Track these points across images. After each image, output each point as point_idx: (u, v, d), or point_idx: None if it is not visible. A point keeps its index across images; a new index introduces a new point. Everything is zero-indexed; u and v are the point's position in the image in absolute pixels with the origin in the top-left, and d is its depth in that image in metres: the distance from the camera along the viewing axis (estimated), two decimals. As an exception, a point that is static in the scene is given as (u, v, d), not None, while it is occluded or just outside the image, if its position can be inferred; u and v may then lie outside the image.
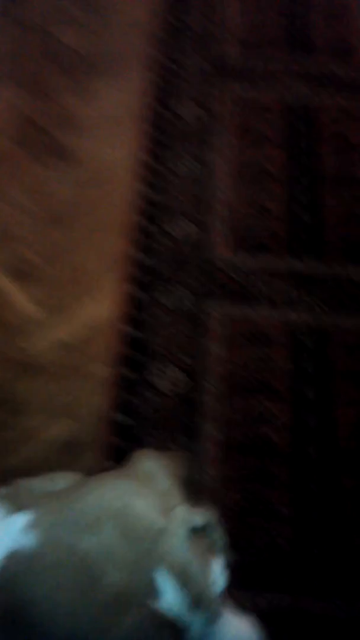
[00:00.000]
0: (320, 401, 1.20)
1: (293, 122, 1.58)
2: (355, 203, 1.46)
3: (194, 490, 0.82)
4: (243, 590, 0.97)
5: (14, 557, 0.70)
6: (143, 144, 1.55)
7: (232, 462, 1.14)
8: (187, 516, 0.73)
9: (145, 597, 0.68)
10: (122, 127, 1.59)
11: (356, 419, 1.19)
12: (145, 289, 1.33)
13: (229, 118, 1.60)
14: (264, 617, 0.80)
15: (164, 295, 1.33)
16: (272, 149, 1.55)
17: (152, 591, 0.68)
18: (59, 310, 1.32)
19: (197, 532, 0.72)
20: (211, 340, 1.27)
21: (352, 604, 1.02)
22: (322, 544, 1.07)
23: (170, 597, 0.68)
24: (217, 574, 0.73)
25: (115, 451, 1.13)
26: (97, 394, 1.20)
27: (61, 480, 0.84)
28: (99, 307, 1.32)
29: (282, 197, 1.47)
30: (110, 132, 1.58)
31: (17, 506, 0.75)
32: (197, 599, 0.69)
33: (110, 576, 0.67)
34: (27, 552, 0.70)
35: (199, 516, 0.74)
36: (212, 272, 1.36)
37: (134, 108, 1.62)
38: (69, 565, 0.69)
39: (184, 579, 0.68)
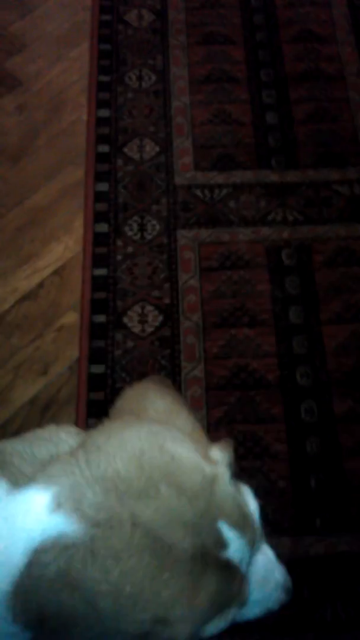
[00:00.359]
0: (306, 323, 1.11)
1: (250, 17, 1.42)
2: (323, 97, 1.33)
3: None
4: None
5: (53, 548, 0.53)
6: (94, 60, 1.39)
7: (216, 401, 1.05)
8: (225, 456, 0.62)
9: (216, 552, 0.59)
10: (70, 45, 1.42)
11: (343, 338, 1.11)
12: (109, 222, 1.21)
13: (182, 19, 1.43)
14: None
15: (130, 227, 1.21)
16: (231, 49, 1.39)
17: (220, 544, 0.59)
18: (21, 256, 1.20)
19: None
20: (183, 270, 1.16)
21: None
22: (319, 476, 1.00)
23: (236, 545, 0.60)
24: (253, 502, 0.64)
25: (95, 405, 1.05)
26: (68, 345, 1.11)
27: (63, 438, 0.62)
28: (63, 249, 1.21)
29: (245, 100, 1.33)
30: (56, 51, 1.41)
31: (15, 479, 0.57)
32: (253, 538, 0.61)
33: (182, 542, 0.57)
34: (72, 539, 0.53)
35: (229, 452, 0.64)
36: (178, 195, 1.24)
37: (81, 22, 1.44)
38: (136, 542, 0.55)
39: (243, 523, 0.60)
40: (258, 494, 0.64)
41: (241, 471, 0.97)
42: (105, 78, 1.36)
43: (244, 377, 1.06)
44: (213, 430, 1.04)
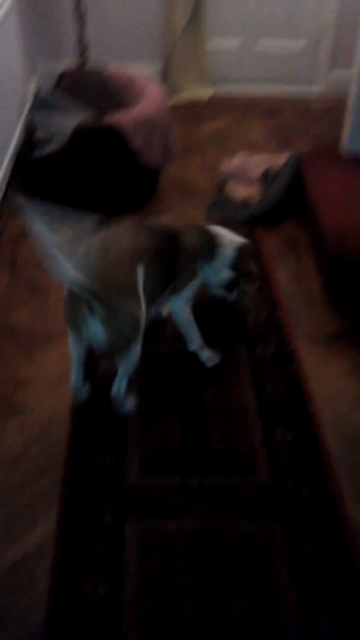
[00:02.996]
0: (214, 593, 1.54)
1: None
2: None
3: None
4: None
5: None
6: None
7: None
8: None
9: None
10: (61, 385, 2.09)
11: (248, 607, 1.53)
12: (77, 512, 1.71)
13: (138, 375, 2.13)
14: None
15: (92, 514, 1.70)
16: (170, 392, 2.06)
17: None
18: (9, 539, 1.66)
19: None
20: (128, 552, 1.63)
21: None
22: None
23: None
24: None
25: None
26: (39, 606, 1.52)
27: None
28: (43, 533, 1.68)
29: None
30: (50, 388, 2.08)
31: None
32: None
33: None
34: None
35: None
36: (127, 494, 1.76)
37: (67, 370, 2.14)
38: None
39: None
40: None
41: None
42: (80, 410, 2.00)
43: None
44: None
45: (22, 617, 1.51)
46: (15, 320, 2.35)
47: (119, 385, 1.92)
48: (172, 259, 1.95)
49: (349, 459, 1.86)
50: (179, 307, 2.07)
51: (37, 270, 2.56)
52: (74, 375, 1.98)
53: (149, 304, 1.86)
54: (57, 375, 2.12)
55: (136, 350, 1.83)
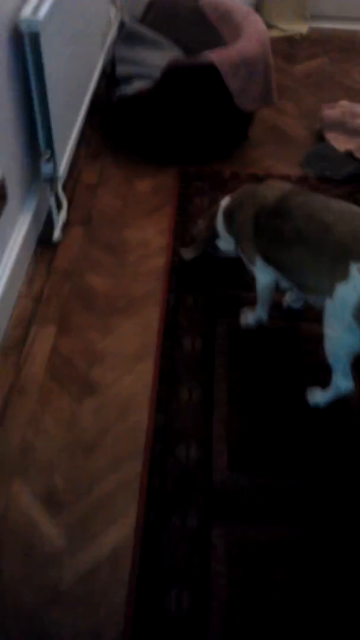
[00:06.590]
0: (312, 612, 1.34)
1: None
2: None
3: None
4: None
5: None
6: (156, 370, 1.83)
7: None
8: None
9: None
10: (139, 360, 1.87)
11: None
12: (157, 512, 1.52)
13: (225, 349, 1.89)
14: None
15: (175, 517, 1.51)
16: (261, 374, 1.81)
17: None
18: (86, 538, 1.50)
19: None
20: (215, 560, 1.43)
21: None
22: None
23: None
24: None
25: None
26: (116, 619, 1.35)
27: None
28: (120, 534, 1.50)
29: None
30: (128, 365, 1.86)
31: None
32: None
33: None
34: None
35: None
36: (214, 493, 1.55)
37: (148, 343, 1.91)
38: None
39: None
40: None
41: None
42: (163, 389, 1.78)
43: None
44: None
45: (96, 632, 1.35)
46: (91, 284, 2.12)
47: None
48: None
49: None
50: None
51: (114, 228, 2.33)
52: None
53: None
54: (134, 350, 1.90)
55: None
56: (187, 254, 2.08)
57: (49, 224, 2.28)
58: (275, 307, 1.96)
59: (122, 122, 2.58)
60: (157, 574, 1.42)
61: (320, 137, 2.82)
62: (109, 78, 2.61)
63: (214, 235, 1.95)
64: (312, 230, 1.54)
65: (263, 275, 1.81)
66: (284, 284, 1.78)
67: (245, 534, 1.49)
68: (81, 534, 1.50)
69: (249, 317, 1.95)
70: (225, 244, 1.95)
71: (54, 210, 2.20)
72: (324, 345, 1.61)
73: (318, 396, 1.74)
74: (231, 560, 1.44)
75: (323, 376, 1.70)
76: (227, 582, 1.40)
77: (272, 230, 1.65)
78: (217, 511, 1.53)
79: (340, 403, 1.75)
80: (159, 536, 1.48)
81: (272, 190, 1.73)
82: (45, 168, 2.03)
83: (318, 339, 1.62)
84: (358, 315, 1.48)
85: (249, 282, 1.91)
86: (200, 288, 2.08)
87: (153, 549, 1.46)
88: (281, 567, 1.43)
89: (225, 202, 1.92)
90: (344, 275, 1.46)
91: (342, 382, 1.65)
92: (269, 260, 1.73)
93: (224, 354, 1.87)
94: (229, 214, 1.87)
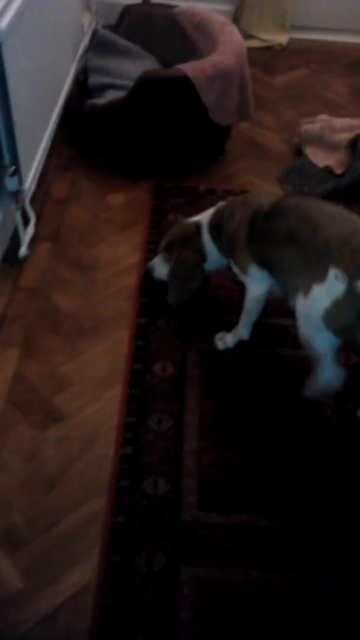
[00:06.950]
0: None
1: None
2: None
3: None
4: None
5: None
6: (124, 403, 1.73)
7: None
8: None
9: None
10: (106, 387, 1.78)
11: None
12: (122, 553, 1.43)
13: (198, 374, 1.80)
14: None
15: (140, 559, 1.41)
16: (236, 404, 1.73)
17: None
18: (45, 581, 1.40)
19: None
20: (182, 607, 1.34)
21: None
22: None
23: None
24: None
25: None
26: None
27: None
28: (82, 575, 1.41)
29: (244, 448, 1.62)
30: (95, 392, 1.76)
31: None
32: None
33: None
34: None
35: None
36: (183, 532, 1.46)
37: (117, 368, 1.82)
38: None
39: None
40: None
41: None
42: (131, 419, 1.69)
43: None
44: None
45: None
46: (58, 304, 2.02)
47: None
48: None
49: None
50: None
51: (84, 244, 2.24)
52: None
53: None
54: (102, 375, 1.81)
55: None
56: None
57: (15, 239, 2.18)
58: (257, 328, 1.88)
59: (95, 134, 2.49)
60: (120, 622, 1.32)
61: (299, 152, 2.75)
62: (81, 88, 2.52)
63: (203, 259, 1.88)
64: (302, 229, 1.53)
65: (257, 285, 1.75)
66: (277, 290, 1.72)
67: (215, 579, 1.40)
68: (40, 575, 1.41)
69: (227, 340, 1.87)
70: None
71: (20, 227, 2.10)
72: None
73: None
74: (200, 608, 1.35)
75: (304, 406, 1.63)
76: (195, 634, 1.31)
77: (266, 231, 1.62)
78: (186, 553, 1.43)
79: (318, 438, 1.67)
80: (123, 579, 1.39)
81: (266, 196, 1.71)
82: (10, 182, 1.94)
83: (300, 367, 1.55)
84: (327, 319, 1.48)
85: (224, 304, 1.83)
86: (172, 309, 1.99)
87: (116, 593, 1.37)
88: (253, 617, 1.34)
89: (204, 218, 1.85)
90: (322, 277, 1.45)
91: (326, 371, 1.62)
92: (261, 263, 1.68)
93: (197, 382, 1.78)
94: (216, 228, 1.81)
